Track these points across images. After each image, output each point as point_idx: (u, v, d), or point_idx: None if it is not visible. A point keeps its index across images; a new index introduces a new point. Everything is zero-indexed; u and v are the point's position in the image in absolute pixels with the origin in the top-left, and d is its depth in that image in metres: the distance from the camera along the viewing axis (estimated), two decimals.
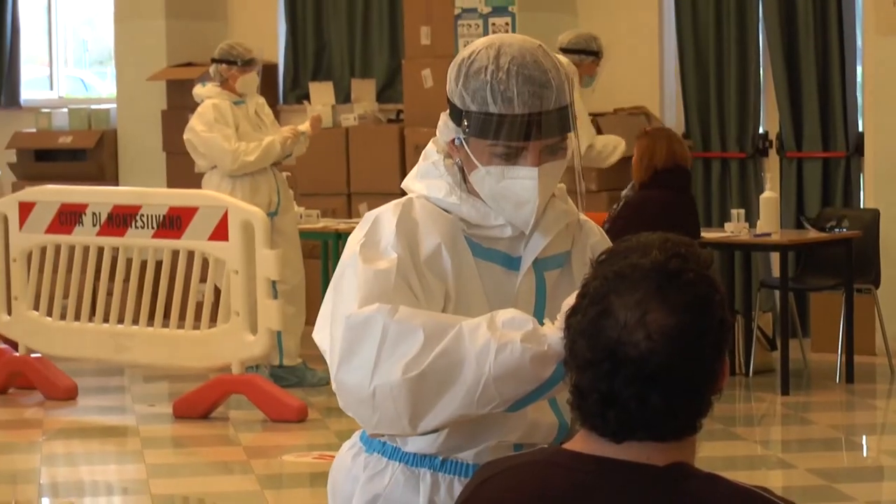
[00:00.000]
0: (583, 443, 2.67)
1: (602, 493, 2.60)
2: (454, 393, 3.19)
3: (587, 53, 11.30)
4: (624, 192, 10.38)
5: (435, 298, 3.39)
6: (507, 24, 13.01)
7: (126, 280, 10.55)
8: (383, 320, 3.21)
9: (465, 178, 3.47)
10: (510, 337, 3.15)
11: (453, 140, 3.44)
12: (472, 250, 3.47)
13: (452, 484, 3.47)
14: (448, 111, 3.45)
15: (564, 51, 11.18)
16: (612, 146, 11.35)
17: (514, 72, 3.34)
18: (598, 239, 3.57)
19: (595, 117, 11.89)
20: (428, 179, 3.49)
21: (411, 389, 3.18)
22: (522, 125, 3.34)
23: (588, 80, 11.29)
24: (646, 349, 2.55)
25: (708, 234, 10.96)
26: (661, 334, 2.55)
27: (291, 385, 10.82)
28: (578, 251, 3.54)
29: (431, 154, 3.53)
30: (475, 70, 3.37)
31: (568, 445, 2.71)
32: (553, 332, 3.14)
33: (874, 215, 11.60)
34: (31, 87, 16.05)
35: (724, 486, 2.60)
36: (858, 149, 12.30)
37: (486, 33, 12.94)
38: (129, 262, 10.60)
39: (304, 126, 11.53)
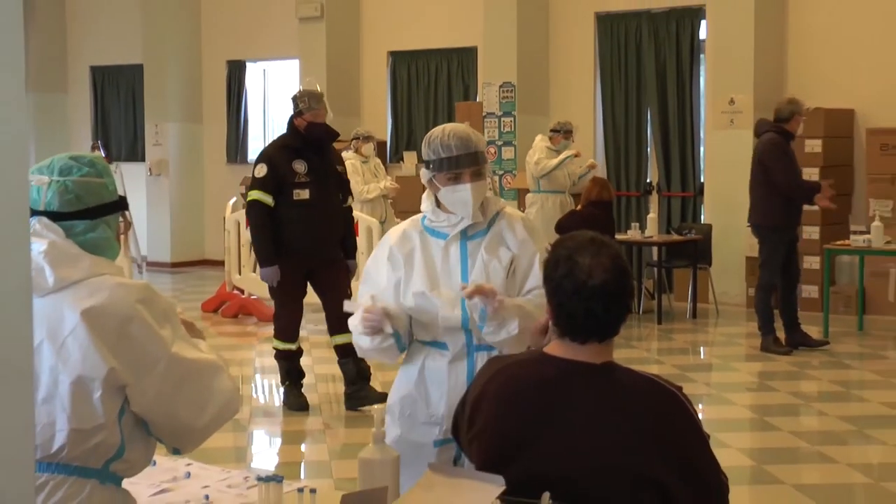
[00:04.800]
0: (555, 349, 2.59)
1: (565, 382, 2.54)
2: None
3: (560, 132, 11.17)
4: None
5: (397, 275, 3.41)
6: (511, 121, 12.83)
7: None
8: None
9: (436, 198, 3.45)
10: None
11: (429, 179, 3.42)
12: (431, 234, 3.43)
13: (428, 355, 3.42)
14: (423, 167, 3.44)
15: (552, 130, 11.16)
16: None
17: (450, 135, 3.35)
18: (507, 221, 3.45)
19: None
20: (424, 202, 3.46)
21: None
22: (455, 160, 3.35)
23: (564, 144, 11.13)
24: (599, 280, 2.49)
25: (620, 236, 10.88)
26: (604, 272, 2.49)
27: None
28: (494, 229, 3.43)
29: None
30: (433, 138, 3.37)
31: (546, 350, 2.60)
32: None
33: (709, 227, 11.45)
34: (253, 152, 15.53)
35: (635, 374, 2.56)
36: (701, 191, 12.13)
37: (500, 128, 12.89)
38: None
39: (394, 184, 11.51)
